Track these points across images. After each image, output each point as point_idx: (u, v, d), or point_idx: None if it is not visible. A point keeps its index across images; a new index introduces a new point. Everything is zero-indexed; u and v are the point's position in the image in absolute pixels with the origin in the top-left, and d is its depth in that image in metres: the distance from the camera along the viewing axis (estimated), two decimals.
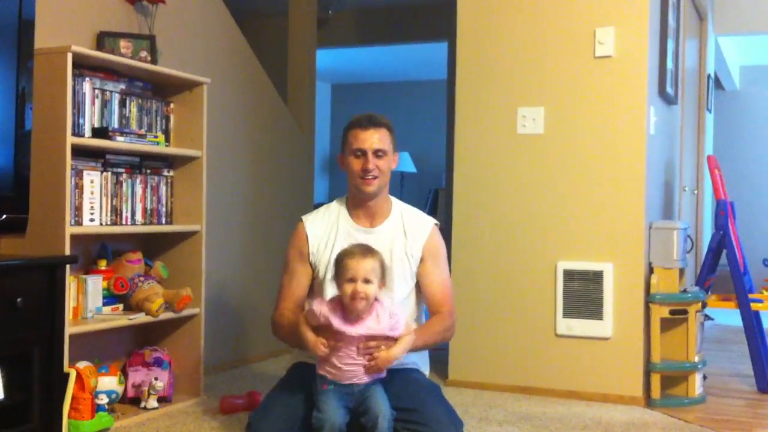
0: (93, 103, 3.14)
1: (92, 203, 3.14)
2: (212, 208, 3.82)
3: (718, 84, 7.85)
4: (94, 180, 3.15)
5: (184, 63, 3.81)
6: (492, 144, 3.96)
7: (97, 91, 3.16)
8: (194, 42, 4.02)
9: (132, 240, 3.52)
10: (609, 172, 3.76)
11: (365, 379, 2.31)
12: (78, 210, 3.07)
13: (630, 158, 3.73)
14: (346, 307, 2.29)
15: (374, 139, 2.53)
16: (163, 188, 3.51)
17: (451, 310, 2.64)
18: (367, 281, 2.27)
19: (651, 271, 3.78)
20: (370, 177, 2.53)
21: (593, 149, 3.79)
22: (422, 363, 2.70)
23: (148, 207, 3.43)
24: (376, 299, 2.31)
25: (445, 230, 2.92)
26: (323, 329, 2.29)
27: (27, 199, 2.56)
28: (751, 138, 8.69)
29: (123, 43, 3.34)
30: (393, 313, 2.32)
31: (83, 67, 3.10)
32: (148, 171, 3.44)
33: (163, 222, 3.51)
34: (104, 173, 3.21)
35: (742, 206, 5.70)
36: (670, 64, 4.21)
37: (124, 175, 3.31)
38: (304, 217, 2.68)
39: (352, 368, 2.29)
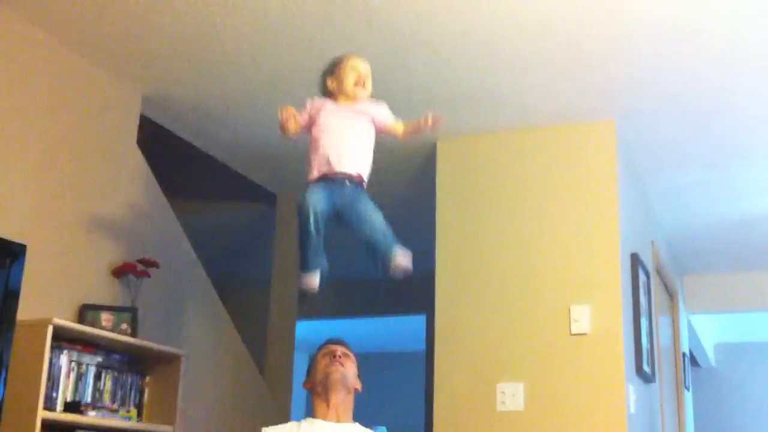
0: (68, 376, 3.11)
1: None
2: None
3: (693, 361, 7.92)
4: None
5: (163, 334, 3.81)
6: (471, 421, 3.89)
7: (73, 364, 3.14)
8: (176, 313, 4.06)
9: None
10: None
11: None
12: None
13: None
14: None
15: (341, 348, 2.65)
16: None
17: None
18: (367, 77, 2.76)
19: None
20: (337, 363, 2.56)
21: (575, 427, 3.72)
22: None
23: None
24: None
25: None
26: None
27: None
28: (730, 415, 8.61)
29: (105, 316, 3.36)
30: None
31: (62, 339, 3.09)
32: None
33: None
34: None
35: None
36: (645, 343, 4.27)
37: None
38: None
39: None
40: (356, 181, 2.69)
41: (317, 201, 2.61)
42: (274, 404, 5.01)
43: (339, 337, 2.76)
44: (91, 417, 3.10)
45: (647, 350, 4.34)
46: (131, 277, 3.62)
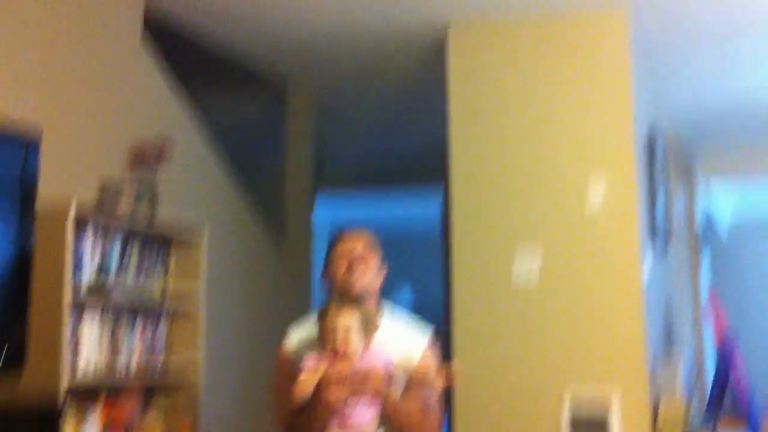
0: (94, 250, 3.17)
1: (89, 352, 3.11)
2: (208, 361, 3.77)
3: (708, 236, 7.97)
4: (92, 328, 3.14)
5: (183, 211, 3.85)
6: (489, 295, 3.98)
7: (98, 239, 3.20)
8: (194, 192, 4.12)
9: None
10: (607, 310, 3.78)
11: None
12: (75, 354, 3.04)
13: (627, 299, 3.76)
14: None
15: (358, 248, 2.49)
16: (160, 336, 3.52)
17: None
18: (347, 330, 2.30)
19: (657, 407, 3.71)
20: (355, 278, 2.43)
21: (591, 297, 3.81)
22: None
23: (145, 355, 3.42)
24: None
25: None
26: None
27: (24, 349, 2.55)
28: (743, 289, 8.69)
29: (125, 197, 3.40)
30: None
31: (84, 220, 3.14)
32: (147, 317, 3.46)
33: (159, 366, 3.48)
34: (102, 321, 3.20)
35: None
36: (660, 215, 4.29)
37: (123, 321, 3.31)
38: (285, 342, 2.62)
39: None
40: None
41: None
42: (295, 281, 5.12)
43: (356, 226, 2.57)
44: (120, 280, 3.24)
45: (663, 222, 4.38)
46: (149, 160, 3.66)
